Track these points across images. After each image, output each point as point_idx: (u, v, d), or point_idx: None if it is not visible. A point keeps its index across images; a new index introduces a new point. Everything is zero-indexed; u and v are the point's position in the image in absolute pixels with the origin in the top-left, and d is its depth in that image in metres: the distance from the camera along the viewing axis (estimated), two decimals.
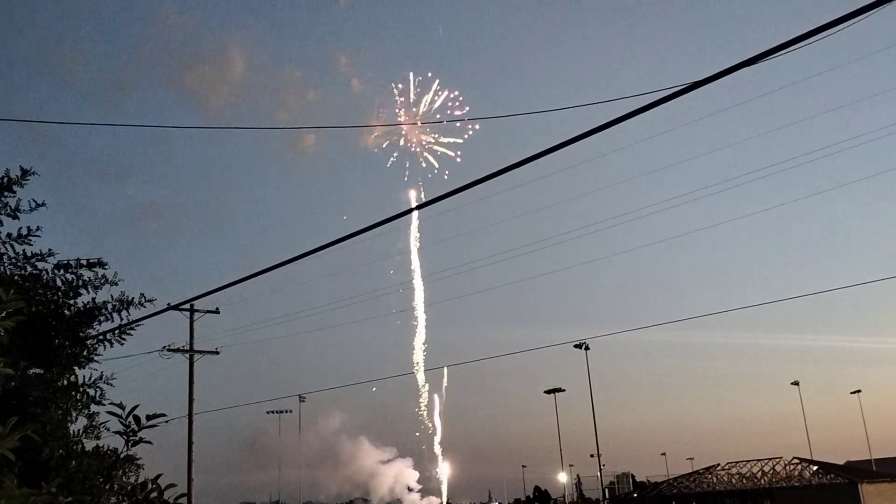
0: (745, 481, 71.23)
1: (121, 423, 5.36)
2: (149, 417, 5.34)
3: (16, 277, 6.99)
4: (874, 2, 7.99)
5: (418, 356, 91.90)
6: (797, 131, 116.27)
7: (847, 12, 8.15)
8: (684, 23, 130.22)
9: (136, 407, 5.32)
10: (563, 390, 77.51)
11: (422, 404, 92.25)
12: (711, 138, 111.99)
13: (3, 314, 3.89)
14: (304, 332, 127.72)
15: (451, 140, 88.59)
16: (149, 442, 5.42)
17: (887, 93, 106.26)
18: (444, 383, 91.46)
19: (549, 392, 78.04)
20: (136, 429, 5.35)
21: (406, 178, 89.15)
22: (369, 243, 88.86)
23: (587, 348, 65.72)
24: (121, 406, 5.35)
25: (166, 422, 5.74)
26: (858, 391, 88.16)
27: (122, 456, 5.65)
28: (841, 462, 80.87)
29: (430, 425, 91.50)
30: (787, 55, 8.91)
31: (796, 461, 70.80)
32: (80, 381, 6.92)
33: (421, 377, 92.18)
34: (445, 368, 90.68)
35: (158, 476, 5.38)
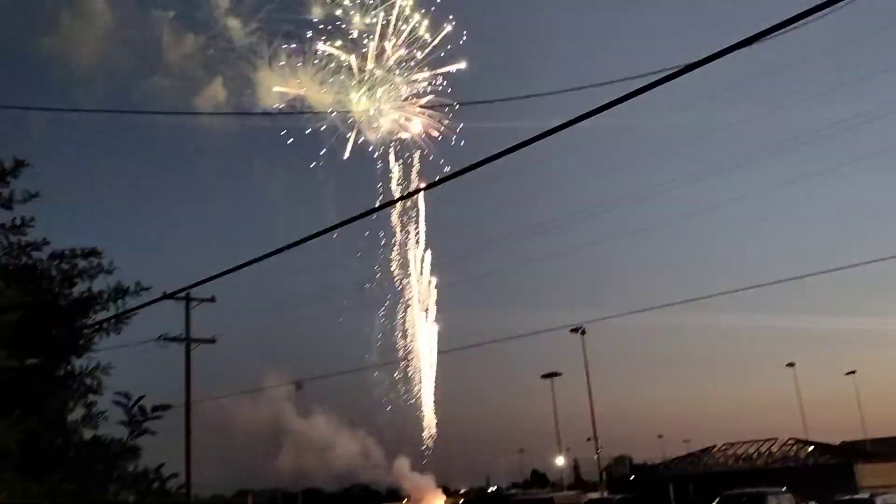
0: (741, 462, 71.68)
1: (126, 413, 5.35)
2: (154, 409, 5.34)
3: (11, 268, 6.96)
4: None
5: (418, 343, 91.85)
6: (791, 113, 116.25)
7: None
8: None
9: (142, 397, 5.31)
10: (560, 374, 77.78)
11: (416, 390, 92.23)
12: (708, 119, 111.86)
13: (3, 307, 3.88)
14: (302, 318, 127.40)
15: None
16: (153, 432, 5.42)
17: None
18: (434, 365, 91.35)
19: (546, 377, 78.27)
20: (142, 419, 5.35)
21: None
22: (364, 228, 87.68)
23: (583, 332, 65.81)
24: (126, 396, 5.34)
25: (163, 411, 5.71)
26: (853, 372, 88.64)
27: (126, 446, 5.64)
28: (836, 442, 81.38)
29: (422, 410, 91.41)
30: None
31: (792, 442, 71.26)
32: (78, 371, 6.90)
33: (421, 363, 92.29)
34: (436, 354, 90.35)
35: (161, 465, 5.38)
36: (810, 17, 8.61)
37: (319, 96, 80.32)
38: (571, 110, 10.05)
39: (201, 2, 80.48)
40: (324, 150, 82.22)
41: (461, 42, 79.92)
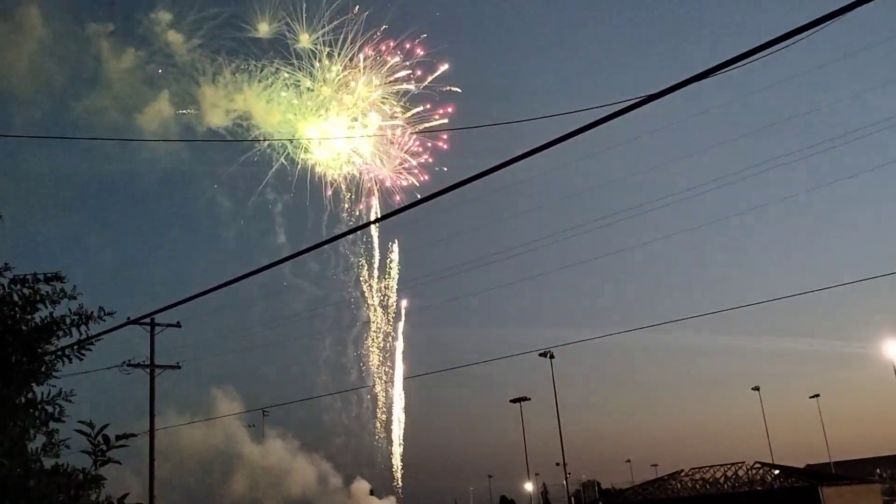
0: (708, 487, 71.96)
1: (90, 442, 5.24)
2: (118, 437, 5.23)
3: None
4: None
5: (383, 368, 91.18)
6: (753, 141, 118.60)
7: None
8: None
9: (105, 426, 5.20)
10: (529, 399, 77.68)
11: (379, 414, 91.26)
12: (675, 146, 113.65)
13: None
14: (267, 344, 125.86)
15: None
16: (117, 461, 5.30)
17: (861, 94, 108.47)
18: (400, 390, 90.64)
19: (514, 401, 78.12)
20: (105, 448, 5.24)
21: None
22: (328, 255, 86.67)
23: (552, 357, 65.93)
24: (90, 425, 5.23)
25: (127, 439, 5.59)
26: (817, 395, 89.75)
27: (89, 476, 5.51)
28: (801, 465, 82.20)
29: (388, 437, 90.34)
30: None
31: (758, 465, 71.76)
32: (39, 398, 6.75)
33: (387, 388, 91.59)
34: (402, 379, 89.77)
35: (125, 495, 5.27)
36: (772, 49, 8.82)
37: (266, 114, 78.56)
38: (542, 135, 10.20)
39: (141, 17, 78.17)
40: (272, 171, 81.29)
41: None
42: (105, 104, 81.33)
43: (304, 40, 78.02)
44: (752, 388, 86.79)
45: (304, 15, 76.73)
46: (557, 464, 70.86)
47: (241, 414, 78.71)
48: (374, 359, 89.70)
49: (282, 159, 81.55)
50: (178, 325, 44.72)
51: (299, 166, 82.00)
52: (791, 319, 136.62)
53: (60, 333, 7.24)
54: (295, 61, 77.93)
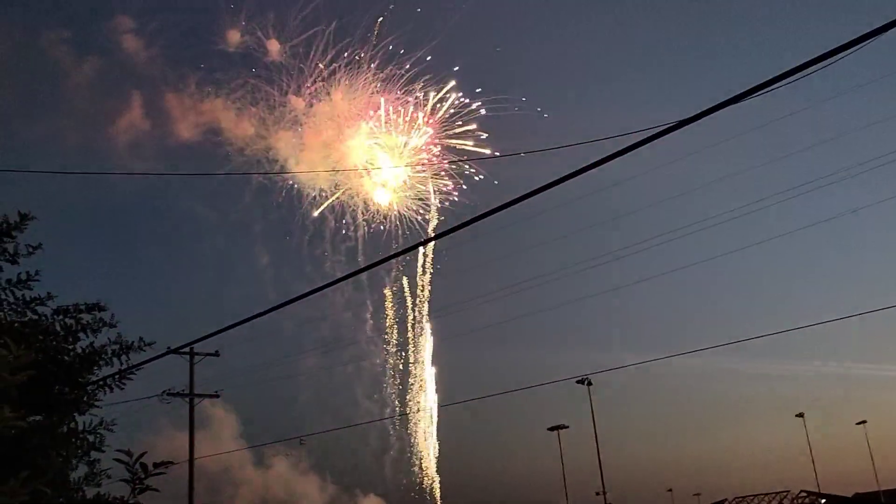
0: None
1: (128, 470, 5.29)
2: (156, 465, 5.28)
3: (15, 324, 6.96)
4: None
5: (417, 396, 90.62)
6: (797, 161, 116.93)
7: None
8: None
9: (143, 454, 5.25)
10: (567, 427, 76.60)
11: (417, 445, 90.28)
12: (715, 167, 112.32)
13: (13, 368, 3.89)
14: (304, 373, 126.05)
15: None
16: (156, 489, 5.35)
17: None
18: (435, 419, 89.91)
19: (552, 429, 77.09)
20: (143, 476, 5.28)
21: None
22: (358, 284, 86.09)
23: (589, 384, 65.14)
24: (128, 453, 5.28)
25: (166, 468, 5.64)
26: (864, 422, 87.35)
27: None
28: (849, 494, 79.80)
29: (423, 466, 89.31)
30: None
31: (804, 494, 70.12)
32: (80, 428, 6.84)
33: (422, 418, 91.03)
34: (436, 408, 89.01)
35: None
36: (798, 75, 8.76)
37: (236, 127, 75.26)
38: (573, 161, 10.20)
39: (100, 24, 76.19)
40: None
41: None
42: (68, 122, 79.71)
43: (275, 51, 75.21)
44: (796, 415, 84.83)
45: (273, 26, 74.26)
46: (597, 493, 69.56)
47: (277, 443, 78.65)
48: (411, 385, 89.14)
49: (261, 178, 79.38)
50: (216, 353, 45.12)
51: (282, 188, 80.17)
52: (836, 344, 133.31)
53: (102, 363, 7.36)
54: (264, 73, 75.53)
